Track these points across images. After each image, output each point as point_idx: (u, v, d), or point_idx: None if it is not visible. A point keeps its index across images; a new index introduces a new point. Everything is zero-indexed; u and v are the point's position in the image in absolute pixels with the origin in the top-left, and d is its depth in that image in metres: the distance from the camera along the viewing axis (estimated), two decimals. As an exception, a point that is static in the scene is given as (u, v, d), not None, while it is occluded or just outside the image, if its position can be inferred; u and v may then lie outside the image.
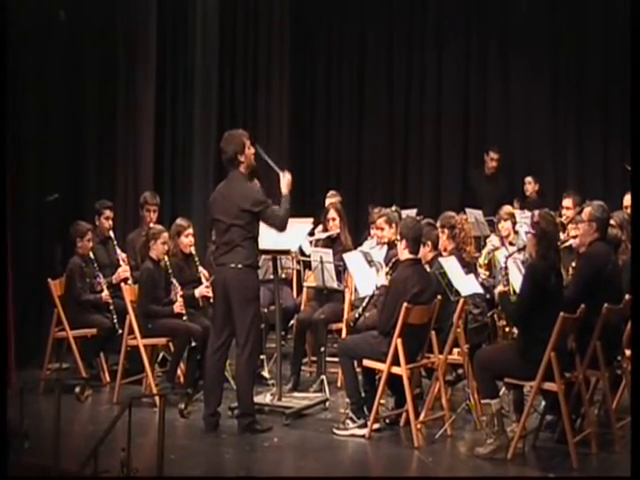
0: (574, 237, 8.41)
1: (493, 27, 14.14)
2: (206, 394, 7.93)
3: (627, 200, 9.39)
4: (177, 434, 7.69)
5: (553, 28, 13.76)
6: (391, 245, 9.03)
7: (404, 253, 7.82)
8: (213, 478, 6.81)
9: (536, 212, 7.44)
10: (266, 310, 9.36)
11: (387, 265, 8.48)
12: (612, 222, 8.06)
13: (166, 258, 8.97)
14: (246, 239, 7.71)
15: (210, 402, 7.82)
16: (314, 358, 9.59)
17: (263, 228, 7.90)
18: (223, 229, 7.76)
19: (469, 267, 8.22)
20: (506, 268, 7.56)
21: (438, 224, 8.48)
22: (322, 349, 9.05)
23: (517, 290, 7.47)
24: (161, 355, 9.48)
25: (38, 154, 10.35)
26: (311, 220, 8.93)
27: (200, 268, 9.26)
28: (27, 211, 9.99)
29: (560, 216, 10.16)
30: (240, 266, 7.68)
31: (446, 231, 8.42)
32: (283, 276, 9.63)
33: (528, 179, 13.05)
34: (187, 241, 9.19)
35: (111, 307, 9.23)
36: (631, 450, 6.15)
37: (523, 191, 13.06)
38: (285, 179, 7.98)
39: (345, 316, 9.11)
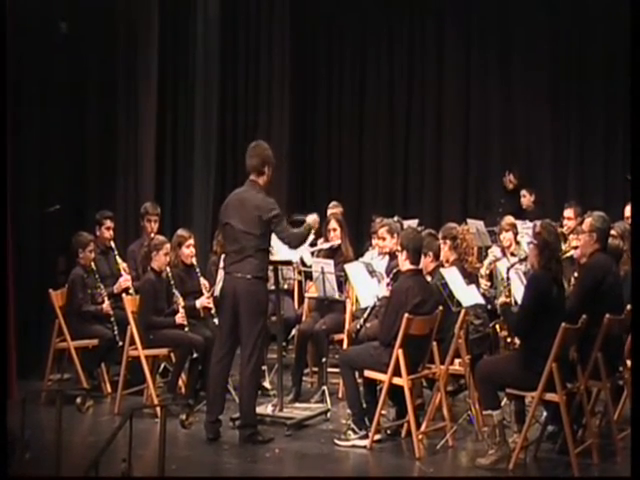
0: (575, 248, 8.40)
1: (494, 37, 14.17)
2: (209, 402, 7.93)
3: (628, 211, 9.38)
4: (178, 445, 7.68)
5: (554, 37, 13.80)
6: (392, 255, 9.02)
7: (405, 264, 7.82)
8: (215, 478, 6.78)
9: (538, 223, 7.43)
10: (267, 321, 9.35)
11: (388, 276, 8.48)
12: (613, 232, 8.06)
13: (168, 269, 8.98)
14: (259, 250, 7.71)
15: (213, 410, 7.81)
16: (315, 369, 9.57)
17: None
18: (235, 236, 7.75)
19: (471, 278, 8.21)
20: (508, 279, 7.55)
21: (440, 235, 8.47)
22: (323, 360, 9.04)
23: (519, 301, 7.47)
24: (162, 366, 9.46)
25: (39, 165, 10.35)
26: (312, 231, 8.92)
27: (201, 279, 9.25)
28: (29, 222, 9.99)
29: (561, 226, 10.16)
30: (249, 277, 7.68)
31: (448, 242, 8.41)
32: (285, 287, 9.63)
33: (522, 192, 13.07)
34: (188, 252, 9.18)
35: (112, 318, 9.22)
36: (631, 460, 6.14)
37: (520, 204, 13.07)
38: (312, 216, 8.22)
39: (346, 327, 9.10)
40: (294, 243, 7.90)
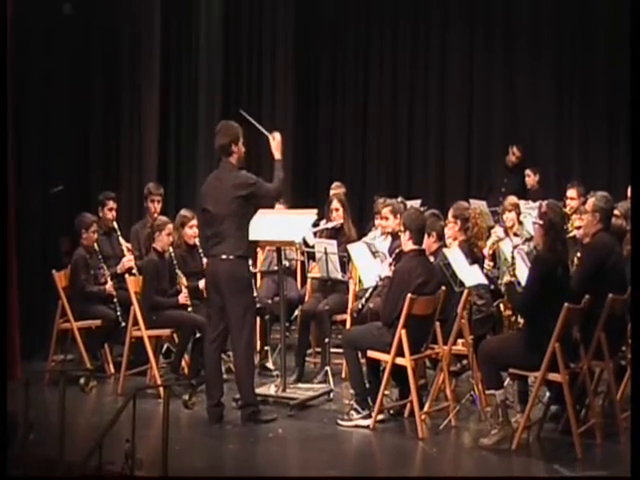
0: (578, 228, 8.40)
1: (497, 20, 14.13)
2: (208, 385, 7.95)
3: (632, 190, 9.37)
4: (181, 425, 7.70)
5: (557, 19, 13.74)
6: (395, 236, 9.03)
7: (408, 244, 7.81)
8: (212, 478, 6.78)
9: (544, 203, 7.39)
10: (270, 301, 9.37)
11: (391, 256, 8.48)
12: (617, 212, 8.05)
13: (171, 249, 8.98)
14: (237, 229, 7.70)
15: (212, 393, 7.83)
16: (318, 349, 9.60)
17: (267, 220, 7.90)
18: (213, 220, 7.74)
19: (478, 261, 8.17)
20: (513, 258, 7.54)
21: (450, 214, 8.44)
22: (326, 340, 9.06)
23: (522, 281, 7.46)
24: (165, 346, 9.49)
25: (43, 146, 10.35)
26: (315, 211, 8.92)
27: (204, 259, 9.26)
28: (32, 203, 10.00)
29: (564, 206, 10.14)
30: (232, 257, 7.68)
31: (459, 222, 8.38)
32: (286, 264, 9.61)
33: (527, 172, 13.05)
34: (191, 232, 9.20)
35: (115, 299, 9.24)
36: (631, 442, 6.15)
37: (524, 184, 13.05)
38: (275, 141, 7.97)
39: (349, 307, 9.12)
40: (275, 194, 7.91)
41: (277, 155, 7.96)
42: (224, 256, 7.69)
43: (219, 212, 7.70)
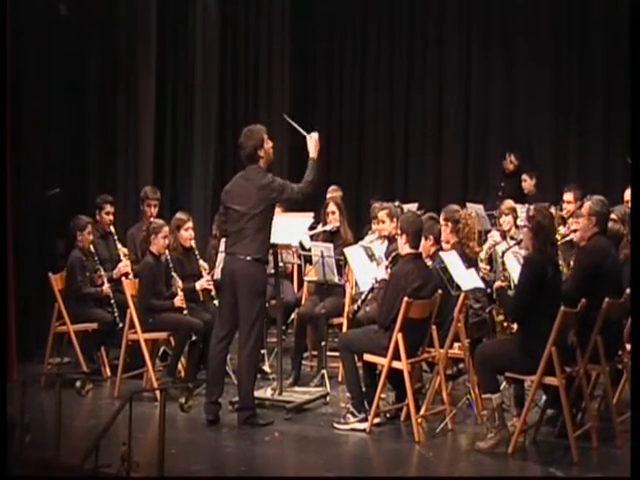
0: (574, 231, 8.41)
1: (495, 20, 14.15)
2: (208, 383, 7.95)
3: (628, 194, 9.37)
4: (178, 428, 7.69)
5: (555, 21, 13.77)
6: (392, 239, 9.02)
7: (404, 248, 7.81)
8: (209, 478, 6.78)
9: (531, 207, 7.43)
10: (267, 304, 9.35)
11: (387, 259, 8.48)
12: (613, 216, 8.07)
13: (167, 252, 8.98)
14: (259, 232, 7.71)
15: (212, 391, 7.83)
16: (315, 352, 9.58)
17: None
18: (236, 219, 7.75)
19: (471, 262, 8.19)
20: (503, 263, 7.55)
21: (442, 217, 8.46)
22: (323, 343, 9.05)
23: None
24: (162, 349, 9.47)
25: (40, 148, 10.34)
26: (312, 215, 8.92)
27: (200, 262, 9.26)
28: (28, 205, 9.98)
29: (561, 210, 10.16)
30: (249, 258, 7.68)
31: (450, 225, 8.40)
32: (280, 263, 9.59)
33: (524, 176, 13.05)
34: (187, 235, 9.19)
35: (112, 301, 9.23)
36: (631, 447, 6.14)
37: (521, 188, 13.06)
38: (312, 140, 7.96)
39: (346, 310, 9.11)
40: (299, 196, 7.86)
41: (312, 153, 7.93)
42: (241, 256, 7.70)
43: (244, 212, 7.71)
